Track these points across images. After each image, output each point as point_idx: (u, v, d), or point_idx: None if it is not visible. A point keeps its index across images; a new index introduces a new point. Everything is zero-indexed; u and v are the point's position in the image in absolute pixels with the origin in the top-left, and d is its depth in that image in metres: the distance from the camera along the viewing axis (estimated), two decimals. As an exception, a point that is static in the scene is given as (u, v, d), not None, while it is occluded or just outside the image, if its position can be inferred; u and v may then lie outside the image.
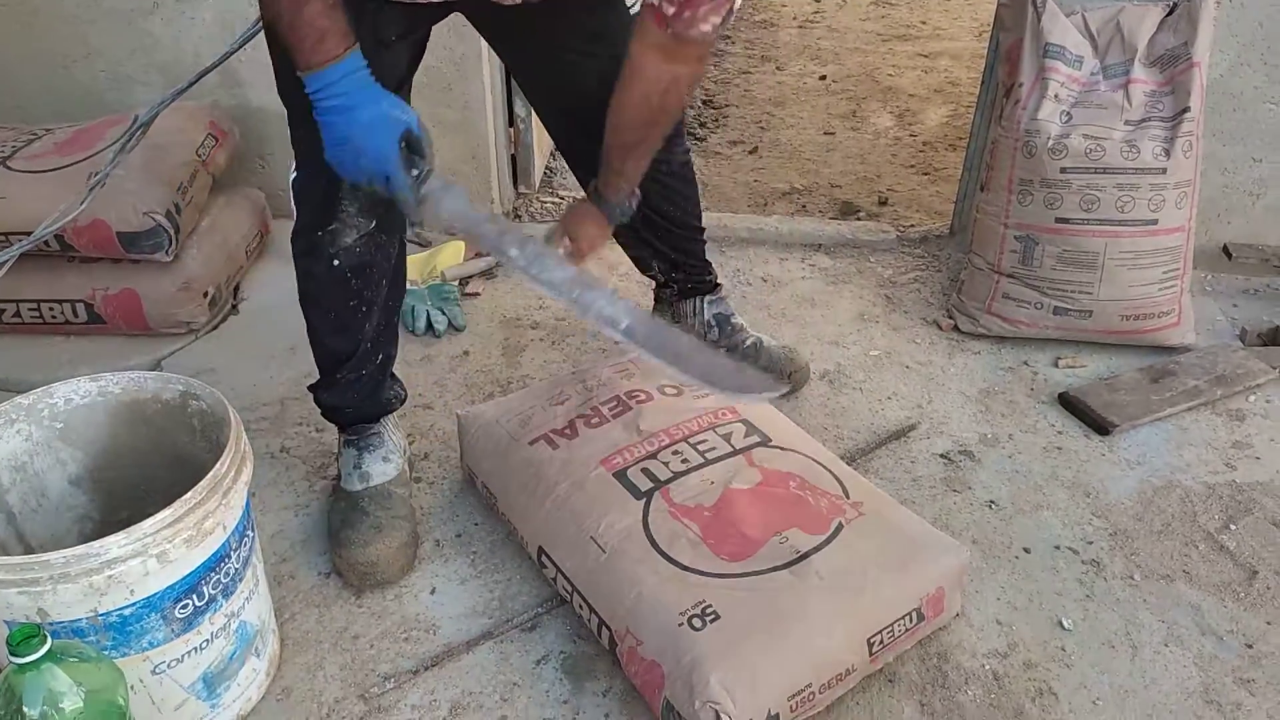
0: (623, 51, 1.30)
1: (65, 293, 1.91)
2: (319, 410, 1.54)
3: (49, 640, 0.91)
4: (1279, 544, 1.50)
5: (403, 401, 1.58)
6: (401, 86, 1.34)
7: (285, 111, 1.31)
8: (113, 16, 2.14)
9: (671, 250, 1.74)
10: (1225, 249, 2.10)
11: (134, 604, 1.03)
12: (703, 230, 1.77)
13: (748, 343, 1.80)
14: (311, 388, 1.53)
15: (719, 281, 1.83)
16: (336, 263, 1.36)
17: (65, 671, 0.92)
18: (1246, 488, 1.61)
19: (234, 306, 2.08)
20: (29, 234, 1.63)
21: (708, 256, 1.80)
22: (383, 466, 1.49)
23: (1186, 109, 1.78)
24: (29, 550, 1.24)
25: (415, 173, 1.18)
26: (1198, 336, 1.92)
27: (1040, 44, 1.83)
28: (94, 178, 1.55)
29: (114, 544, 0.99)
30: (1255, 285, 2.14)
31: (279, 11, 1.13)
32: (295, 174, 1.35)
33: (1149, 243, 1.81)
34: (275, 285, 2.14)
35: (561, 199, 2.50)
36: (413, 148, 1.18)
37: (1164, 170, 1.77)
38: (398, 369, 1.57)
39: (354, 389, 1.48)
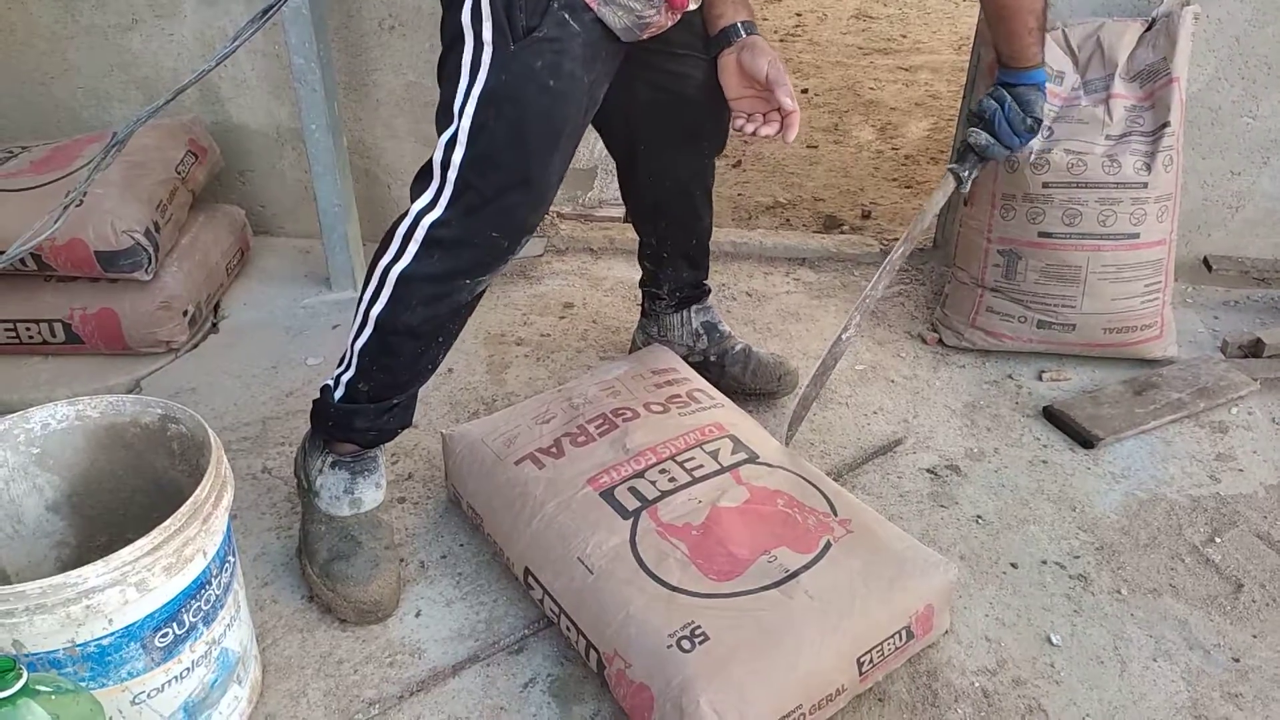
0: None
1: (43, 312, 1.88)
2: (327, 426, 1.43)
3: (25, 674, 0.88)
4: (1264, 557, 1.50)
5: (406, 428, 1.52)
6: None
7: (450, 147, 1.24)
8: (91, 33, 2.12)
9: (688, 262, 1.77)
10: (1206, 261, 2.12)
11: (113, 634, 1.01)
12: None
13: (736, 349, 1.80)
14: (342, 409, 1.41)
15: (709, 289, 1.84)
16: (458, 305, 1.34)
17: (42, 705, 0.90)
18: (1231, 500, 1.61)
19: (214, 325, 2.06)
20: (2, 253, 1.61)
21: None
22: (374, 493, 1.45)
23: (1166, 123, 1.79)
24: (4, 578, 1.22)
25: None
26: (1180, 349, 1.93)
27: (1021, 59, 1.84)
28: (69, 195, 1.52)
29: (92, 573, 0.97)
30: (1235, 297, 2.16)
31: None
32: (443, 216, 1.27)
33: (1131, 256, 1.82)
34: (256, 303, 2.13)
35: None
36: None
37: (1145, 184, 1.78)
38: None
39: (394, 411, 1.43)
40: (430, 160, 1.28)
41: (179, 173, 1.99)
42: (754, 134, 1.45)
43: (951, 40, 4.08)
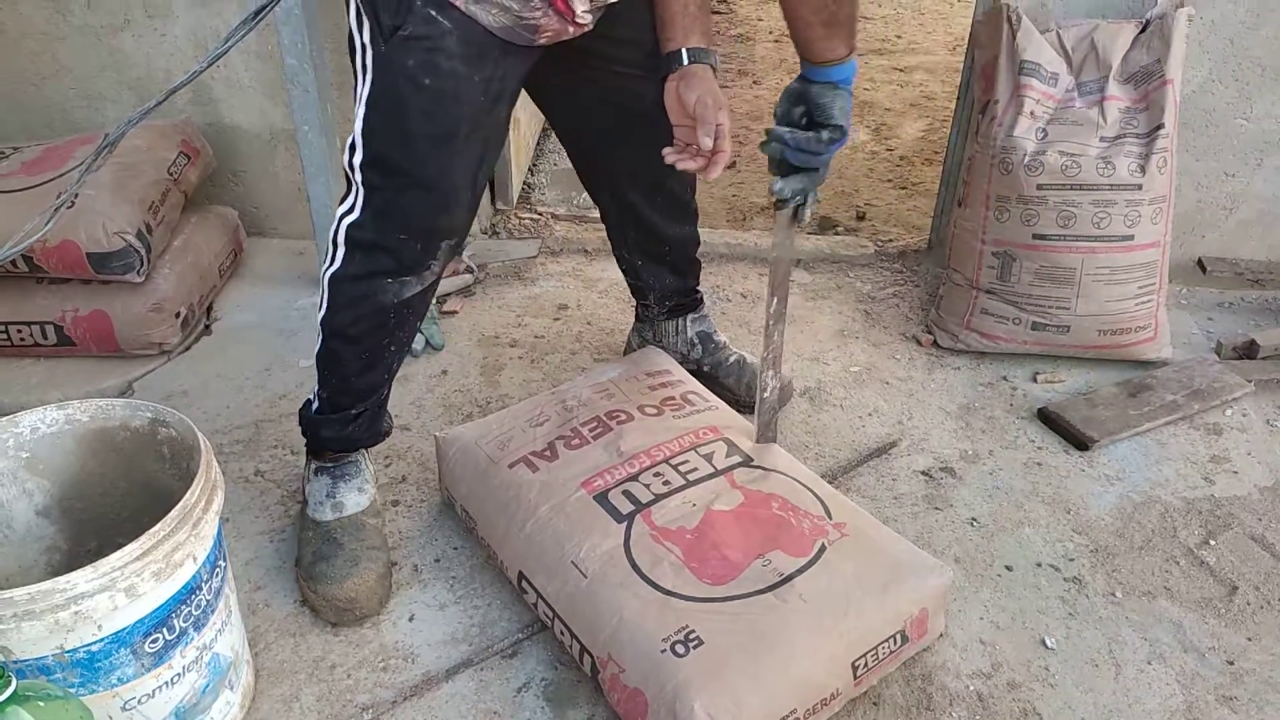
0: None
1: (34, 314, 1.88)
2: (305, 436, 1.48)
3: (13, 681, 0.88)
4: (1258, 559, 1.50)
5: (390, 431, 1.54)
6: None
7: (361, 151, 1.25)
8: (83, 33, 2.11)
9: (674, 274, 1.75)
10: (1200, 263, 2.12)
11: (102, 640, 1.01)
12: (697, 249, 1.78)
13: (730, 360, 1.79)
14: (311, 419, 1.46)
15: (701, 298, 1.83)
16: (383, 306, 1.34)
17: (31, 713, 0.89)
18: (1225, 502, 1.61)
19: (207, 327, 2.05)
20: (-5, 256, 1.60)
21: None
22: (357, 497, 1.46)
23: (1161, 125, 1.79)
24: (-6, 583, 1.21)
25: None
26: (1174, 351, 1.93)
27: (1015, 61, 1.84)
28: (60, 197, 1.52)
29: (80, 579, 0.97)
30: (1230, 299, 2.16)
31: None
32: (358, 219, 1.29)
33: (1125, 258, 1.82)
34: (249, 305, 2.12)
35: (540, 215, 2.48)
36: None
37: (1139, 186, 1.78)
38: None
39: (359, 421, 1.45)
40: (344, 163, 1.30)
41: (171, 174, 1.98)
42: (674, 164, 1.39)
43: (946, 41, 4.08)
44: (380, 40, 1.21)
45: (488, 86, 1.26)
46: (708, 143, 1.35)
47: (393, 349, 1.41)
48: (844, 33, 1.29)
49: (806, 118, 1.31)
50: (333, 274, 1.34)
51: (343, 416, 1.44)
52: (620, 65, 1.44)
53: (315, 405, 1.46)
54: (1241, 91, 1.97)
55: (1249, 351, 1.94)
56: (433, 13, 1.19)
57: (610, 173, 1.62)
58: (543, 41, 1.29)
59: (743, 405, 1.74)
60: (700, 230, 1.77)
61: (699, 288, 1.81)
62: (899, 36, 4.13)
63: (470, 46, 1.22)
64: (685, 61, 1.40)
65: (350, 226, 1.31)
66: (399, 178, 1.26)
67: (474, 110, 1.26)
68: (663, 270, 1.74)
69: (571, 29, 1.29)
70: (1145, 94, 1.82)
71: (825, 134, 1.30)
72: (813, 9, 1.25)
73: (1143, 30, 1.84)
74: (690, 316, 1.79)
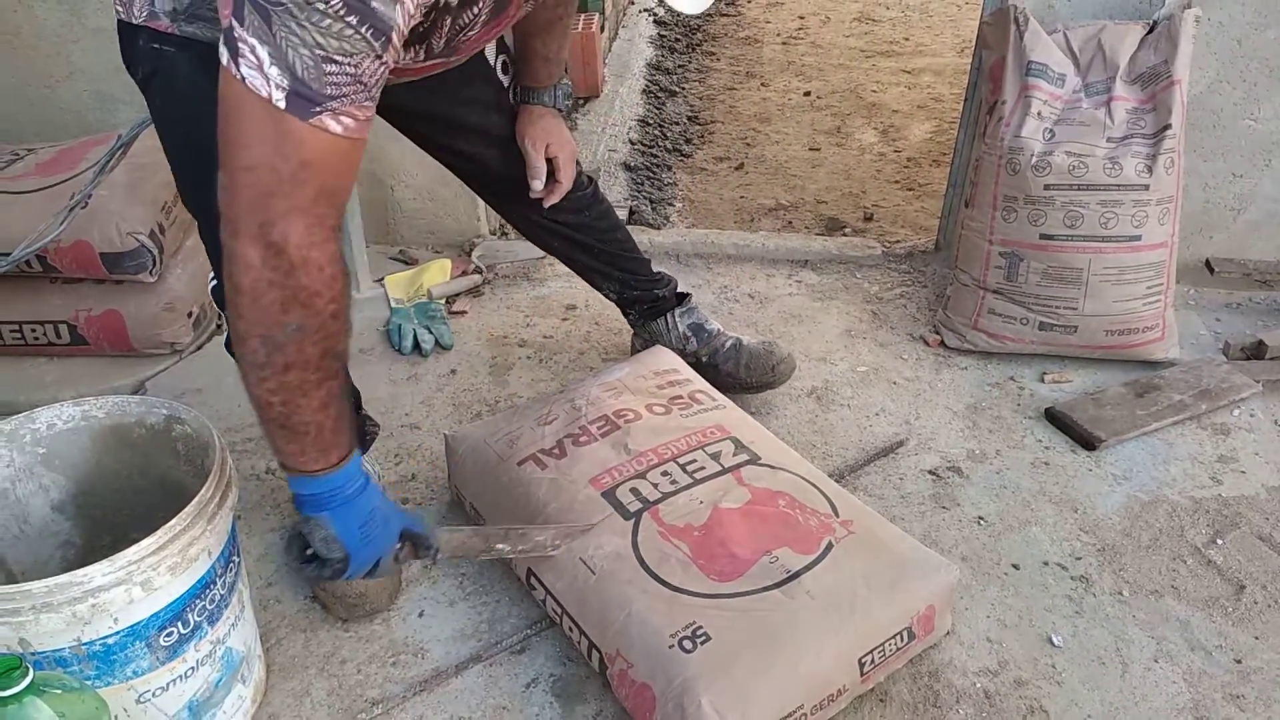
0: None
1: (48, 314, 1.89)
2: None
3: (31, 672, 0.89)
4: (1265, 558, 1.51)
5: (376, 435, 1.54)
6: None
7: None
8: (96, 35, 2.13)
9: (615, 269, 1.78)
10: (1208, 263, 2.12)
11: (118, 633, 1.02)
12: (635, 246, 1.82)
13: (727, 345, 1.80)
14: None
15: (684, 292, 1.85)
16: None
17: (48, 703, 0.90)
18: (1233, 502, 1.61)
19: (219, 326, 2.07)
20: (8, 255, 1.62)
21: (659, 270, 1.84)
22: None
23: (1168, 126, 1.79)
24: (11, 578, 1.22)
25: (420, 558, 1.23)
26: (1182, 351, 1.93)
27: (1023, 62, 1.84)
28: (74, 198, 1.54)
29: (97, 572, 0.98)
30: (1237, 299, 2.16)
31: (271, 404, 1.02)
32: (217, 283, 1.30)
33: (1132, 258, 1.82)
34: (260, 304, 2.13)
35: (548, 216, 2.49)
36: (416, 541, 1.21)
37: (1147, 186, 1.78)
38: (384, 389, 1.56)
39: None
40: None
41: (184, 175, 1.99)
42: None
43: (954, 43, 4.08)
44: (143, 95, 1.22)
45: None
46: (536, 185, 1.54)
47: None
48: (295, 440, 1.07)
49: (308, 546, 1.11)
50: (224, 342, 1.33)
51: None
52: (469, 133, 1.52)
53: None
54: (1249, 92, 1.98)
55: (1257, 352, 1.94)
56: (155, 46, 1.17)
57: (503, 207, 1.71)
58: None
59: (747, 388, 1.77)
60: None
61: (664, 286, 1.83)
62: (907, 39, 4.14)
63: (212, 64, 1.05)
64: (517, 101, 1.54)
65: (212, 290, 1.32)
66: (200, 221, 1.26)
67: None
68: (610, 270, 1.78)
69: None
70: (1152, 95, 1.83)
71: (326, 570, 1.11)
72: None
73: (1150, 31, 1.85)
74: (677, 311, 1.81)
